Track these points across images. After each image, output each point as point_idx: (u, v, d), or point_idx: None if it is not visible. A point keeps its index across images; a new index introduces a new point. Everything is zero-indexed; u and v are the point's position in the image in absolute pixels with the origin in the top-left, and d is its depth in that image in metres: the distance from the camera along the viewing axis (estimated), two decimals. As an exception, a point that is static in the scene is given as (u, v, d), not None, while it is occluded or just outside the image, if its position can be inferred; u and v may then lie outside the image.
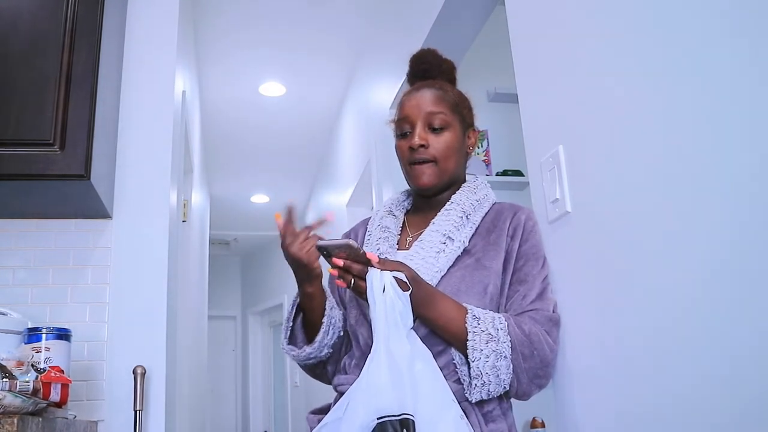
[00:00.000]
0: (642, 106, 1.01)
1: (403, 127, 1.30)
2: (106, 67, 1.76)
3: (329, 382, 1.31)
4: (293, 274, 1.22)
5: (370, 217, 1.44)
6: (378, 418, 0.97)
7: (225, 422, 7.49)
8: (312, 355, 1.25)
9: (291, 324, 1.28)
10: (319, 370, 1.32)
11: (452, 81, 1.38)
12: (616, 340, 1.07)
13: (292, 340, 1.28)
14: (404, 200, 1.42)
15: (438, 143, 1.26)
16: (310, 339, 1.27)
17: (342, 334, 1.28)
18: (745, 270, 0.81)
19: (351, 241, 1.04)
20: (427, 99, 1.28)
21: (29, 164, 1.55)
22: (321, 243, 1.08)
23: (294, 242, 1.16)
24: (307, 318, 1.26)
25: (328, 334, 1.24)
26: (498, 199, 1.34)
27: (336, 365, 1.30)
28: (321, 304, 1.24)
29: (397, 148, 1.32)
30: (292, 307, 1.28)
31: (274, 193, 5.92)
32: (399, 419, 0.96)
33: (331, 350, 1.27)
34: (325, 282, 1.28)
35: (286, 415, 6.55)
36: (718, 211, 0.85)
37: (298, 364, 1.31)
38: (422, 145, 1.25)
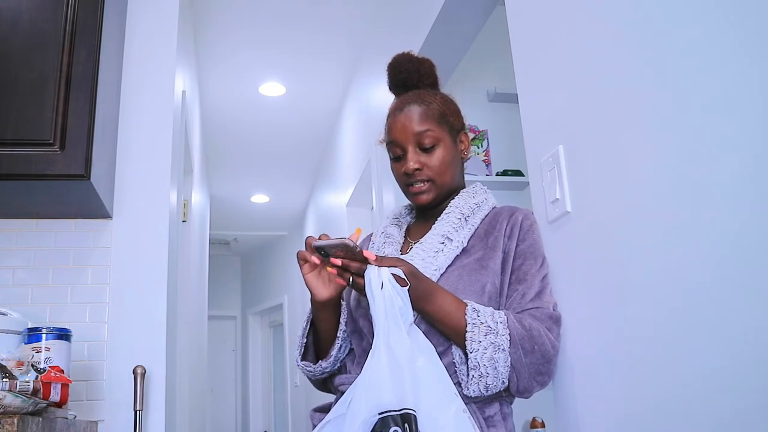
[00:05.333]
0: (642, 106, 1.01)
1: (394, 151, 1.30)
2: (106, 67, 1.76)
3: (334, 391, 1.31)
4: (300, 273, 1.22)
5: (374, 232, 1.45)
6: (379, 413, 0.97)
7: (225, 422, 7.49)
8: (327, 370, 1.26)
9: (305, 340, 1.29)
10: (329, 383, 1.32)
11: (434, 82, 1.37)
12: (616, 339, 1.07)
13: (305, 357, 1.29)
14: (407, 214, 1.43)
15: (431, 162, 1.26)
16: (319, 355, 1.27)
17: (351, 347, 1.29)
18: (745, 268, 0.81)
19: (348, 240, 1.04)
20: (412, 119, 1.27)
21: (29, 164, 1.55)
22: (318, 243, 1.08)
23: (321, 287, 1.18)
24: (318, 329, 1.26)
25: (342, 348, 1.25)
26: (498, 200, 1.35)
27: (340, 374, 1.30)
28: (335, 315, 1.24)
29: (393, 170, 1.32)
30: (307, 323, 1.29)
31: (274, 193, 5.92)
32: (400, 414, 0.97)
33: (342, 363, 1.28)
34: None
35: (286, 415, 6.55)
36: (718, 209, 0.85)
37: (311, 379, 1.31)
38: (417, 169, 1.26)
